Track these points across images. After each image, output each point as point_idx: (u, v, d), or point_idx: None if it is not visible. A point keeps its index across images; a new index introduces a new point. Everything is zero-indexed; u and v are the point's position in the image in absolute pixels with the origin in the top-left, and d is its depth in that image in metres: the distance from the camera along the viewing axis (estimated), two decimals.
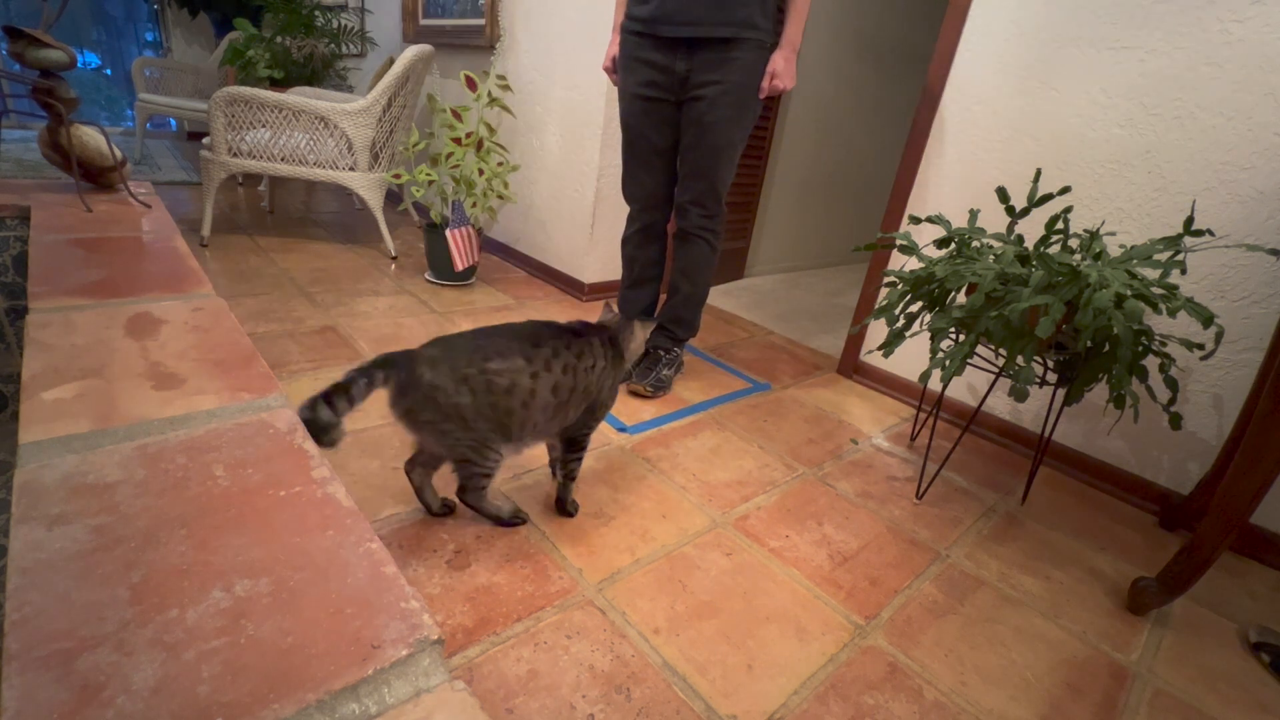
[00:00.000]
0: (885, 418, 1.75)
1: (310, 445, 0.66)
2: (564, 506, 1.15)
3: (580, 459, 1.13)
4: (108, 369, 0.73)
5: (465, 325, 1.95)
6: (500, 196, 2.21)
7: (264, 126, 2.27)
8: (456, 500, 1.09)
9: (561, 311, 2.21)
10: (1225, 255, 1.32)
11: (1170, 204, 1.37)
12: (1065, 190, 1.25)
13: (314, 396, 0.79)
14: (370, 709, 0.41)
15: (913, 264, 1.77)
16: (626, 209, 1.71)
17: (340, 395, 0.80)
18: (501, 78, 2.18)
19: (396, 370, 0.88)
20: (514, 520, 1.10)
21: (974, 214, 1.35)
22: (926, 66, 1.72)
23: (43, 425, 0.62)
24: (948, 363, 1.16)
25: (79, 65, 1.82)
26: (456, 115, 2.08)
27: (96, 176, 1.47)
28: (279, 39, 3.27)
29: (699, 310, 1.74)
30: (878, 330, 1.93)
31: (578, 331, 1.06)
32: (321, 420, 0.78)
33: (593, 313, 2.24)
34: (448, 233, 2.12)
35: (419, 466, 1.06)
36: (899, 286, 1.32)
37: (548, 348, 0.98)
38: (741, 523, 1.21)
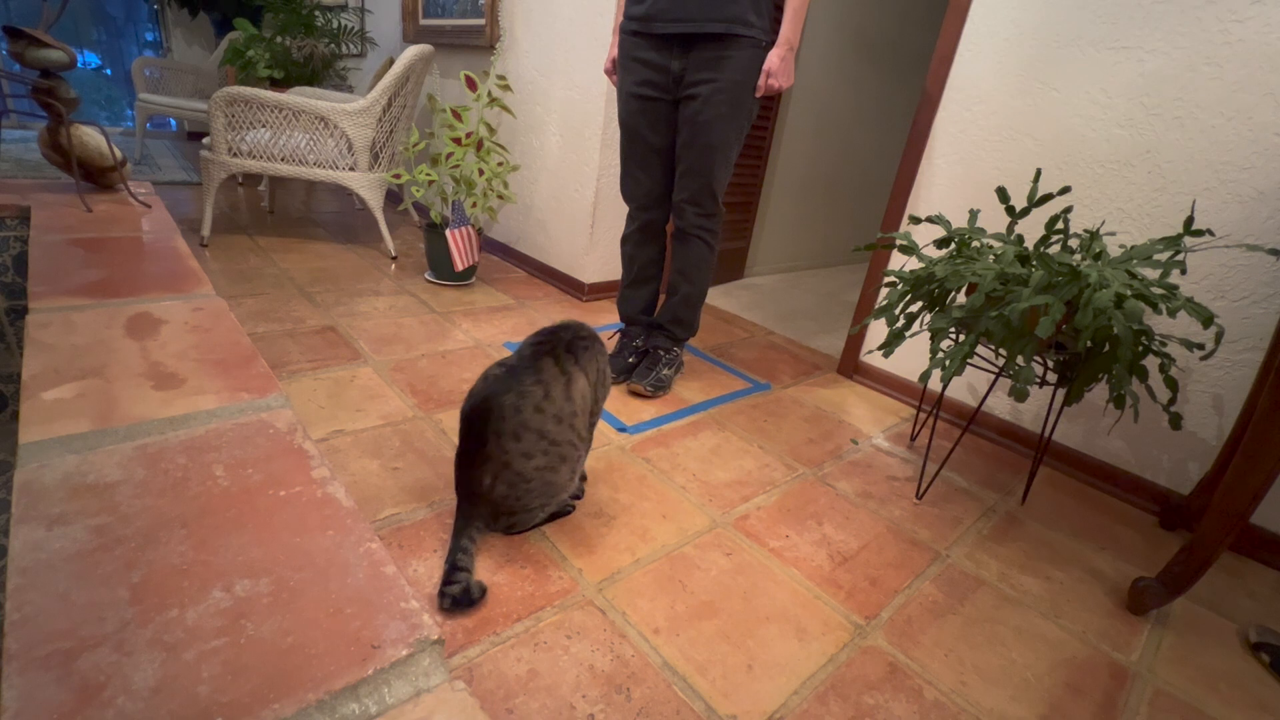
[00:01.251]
0: (885, 418, 1.75)
1: (310, 445, 0.66)
2: None
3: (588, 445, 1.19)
4: (108, 369, 0.73)
5: (465, 325, 1.95)
6: (500, 196, 2.21)
7: (264, 126, 2.27)
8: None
9: (562, 311, 2.21)
10: (1225, 255, 1.32)
11: (1170, 204, 1.37)
12: (1065, 190, 1.25)
13: (441, 589, 0.90)
14: (370, 709, 0.41)
15: (913, 264, 1.77)
16: (626, 209, 1.72)
17: (461, 570, 0.92)
18: (501, 78, 2.18)
19: (478, 507, 0.99)
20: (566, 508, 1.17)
21: (974, 214, 1.35)
22: (926, 66, 1.72)
23: (43, 425, 0.62)
24: (948, 363, 1.16)
25: (79, 65, 1.82)
26: (456, 115, 2.08)
27: (96, 176, 1.47)
28: (279, 39, 3.27)
29: (698, 310, 1.74)
30: (878, 330, 1.93)
31: (513, 368, 0.97)
32: (458, 590, 0.90)
33: (593, 312, 2.24)
34: (448, 233, 2.12)
35: None
36: (899, 286, 1.32)
37: (490, 425, 0.94)
38: (741, 523, 1.21)
